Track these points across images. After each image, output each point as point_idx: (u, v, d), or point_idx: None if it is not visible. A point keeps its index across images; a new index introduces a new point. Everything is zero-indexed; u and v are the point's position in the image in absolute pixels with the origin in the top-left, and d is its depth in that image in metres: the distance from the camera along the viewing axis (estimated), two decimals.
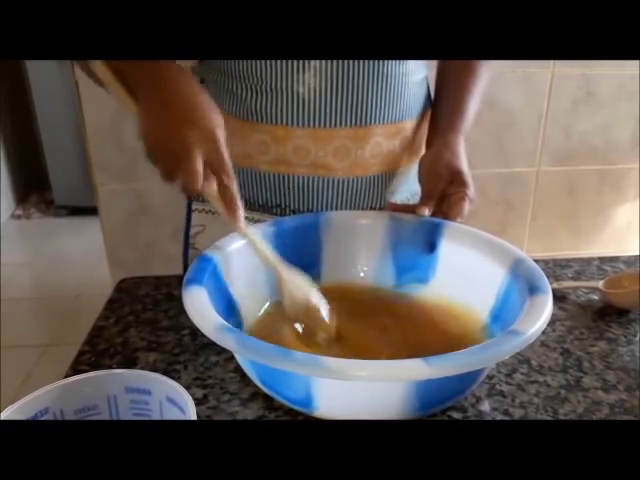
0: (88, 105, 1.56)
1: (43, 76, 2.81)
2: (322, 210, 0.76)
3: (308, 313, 0.61)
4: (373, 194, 0.78)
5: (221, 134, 0.58)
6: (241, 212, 0.60)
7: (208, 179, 0.57)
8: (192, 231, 0.83)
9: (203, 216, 0.81)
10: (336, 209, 0.77)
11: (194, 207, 0.82)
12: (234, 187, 0.59)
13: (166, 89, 0.59)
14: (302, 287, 0.61)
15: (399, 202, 0.80)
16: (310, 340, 0.59)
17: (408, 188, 0.82)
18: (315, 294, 0.62)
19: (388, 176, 0.79)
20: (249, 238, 0.61)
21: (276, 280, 0.61)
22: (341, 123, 0.73)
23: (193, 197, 0.59)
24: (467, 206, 0.68)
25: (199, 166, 0.56)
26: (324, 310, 0.61)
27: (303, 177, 0.75)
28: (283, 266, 0.61)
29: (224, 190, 0.59)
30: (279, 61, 0.71)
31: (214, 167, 0.58)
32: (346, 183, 0.76)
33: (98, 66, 0.59)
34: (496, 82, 1.69)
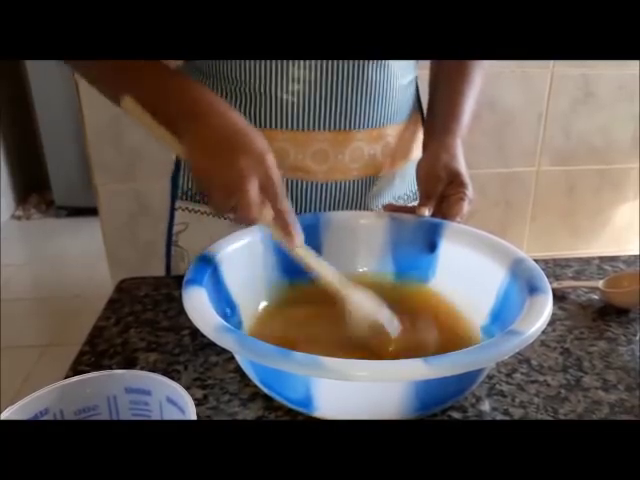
0: (88, 105, 1.57)
1: (43, 76, 2.81)
2: (302, 213, 0.76)
3: (374, 333, 0.58)
4: (354, 198, 0.78)
5: (271, 159, 0.57)
6: (299, 237, 0.58)
7: (263, 205, 0.56)
8: (175, 229, 0.83)
9: (186, 214, 0.81)
10: (317, 212, 0.77)
11: (177, 205, 0.82)
12: (288, 211, 0.58)
13: (209, 118, 0.58)
14: (371, 307, 0.59)
15: (381, 207, 0.80)
16: (311, 331, 0.59)
17: (391, 192, 0.82)
18: (385, 312, 0.59)
19: (369, 181, 0.79)
20: (308, 262, 0.59)
21: (340, 300, 0.59)
22: (320, 127, 0.73)
23: (247, 225, 0.58)
24: (466, 206, 0.68)
25: (254, 194, 0.54)
26: (392, 328, 0.58)
27: (283, 179, 0.75)
28: (350, 288, 0.59)
29: (279, 215, 0.57)
30: (260, 64, 0.70)
31: (267, 193, 0.56)
32: (326, 187, 0.76)
33: (130, 105, 0.57)
34: (496, 82, 1.69)
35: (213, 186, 0.56)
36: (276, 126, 0.73)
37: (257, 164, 0.55)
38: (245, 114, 0.73)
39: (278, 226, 0.58)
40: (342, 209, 0.78)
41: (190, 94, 0.60)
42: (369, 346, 0.57)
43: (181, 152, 0.58)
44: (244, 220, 0.56)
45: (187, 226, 0.82)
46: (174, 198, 0.82)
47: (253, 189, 0.54)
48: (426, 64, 0.83)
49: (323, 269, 0.59)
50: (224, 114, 0.59)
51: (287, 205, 0.58)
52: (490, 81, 1.66)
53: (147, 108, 0.57)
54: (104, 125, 1.58)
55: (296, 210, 0.77)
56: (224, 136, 0.57)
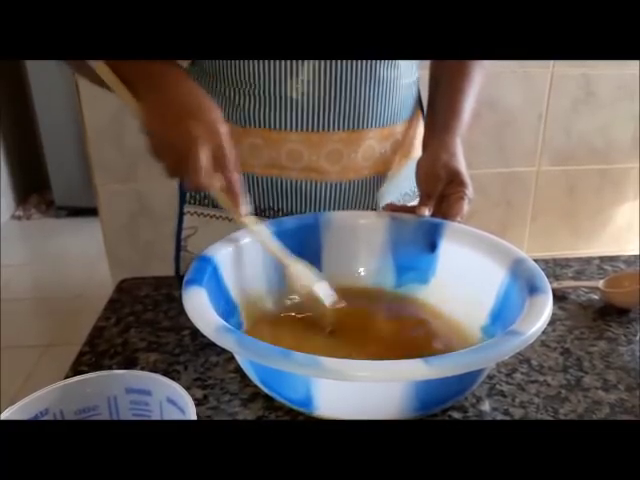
0: (88, 105, 1.56)
1: (43, 76, 2.81)
2: (314, 213, 0.76)
3: (313, 302, 0.62)
4: (365, 197, 0.79)
5: (224, 129, 0.58)
6: (246, 206, 0.61)
7: (213, 173, 0.58)
8: (184, 234, 0.83)
9: (195, 219, 0.81)
10: (328, 211, 0.77)
11: (186, 210, 0.82)
12: (237, 181, 0.60)
13: (167, 85, 0.60)
14: (308, 277, 0.62)
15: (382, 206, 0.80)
16: (311, 331, 0.60)
17: (398, 189, 0.83)
18: (322, 284, 0.63)
19: (379, 179, 0.79)
20: (253, 231, 0.62)
21: (284, 271, 0.63)
22: (334, 127, 0.73)
23: (196, 191, 0.60)
24: (466, 206, 0.68)
25: (204, 160, 0.56)
26: (330, 300, 0.62)
27: (296, 180, 0.75)
28: (289, 257, 0.62)
29: (228, 184, 0.59)
30: (271, 65, 0.71)
31: (219, 161, 0.58)
32: (339, 186, 0.77)
33: (98, 64, 0.59)
34: (496, 82, 1.69)
35: (164, 150, 0.58)
36: (290, 128, 0.73)
37: (210, 132, 0.57)
38: (258, 116, 0.74)
39: (227, 194, 0.60)
40: (354, 208, 0.78)
41: (155, 64, 0.61)
42: (307, 313, 0.62)
43: (139, 116, 0.59)
44: (193, 184, 0.57)
45: (196, 230, 0.82)
46: (182, 202, 0.82)
47: (203, 155, 0.56)
48: (426, 64, 0.83)
49: (267, 240, 0.63)
50: (182, 82, 0.61)
51: (237, 175, 0.60)
52: (490, 81, 1.66)
53: (115, 71, 0.59)
54: (104, 125, 1.57)
55: (309, 210, 0.77)
56: (179, 102, 0.59)
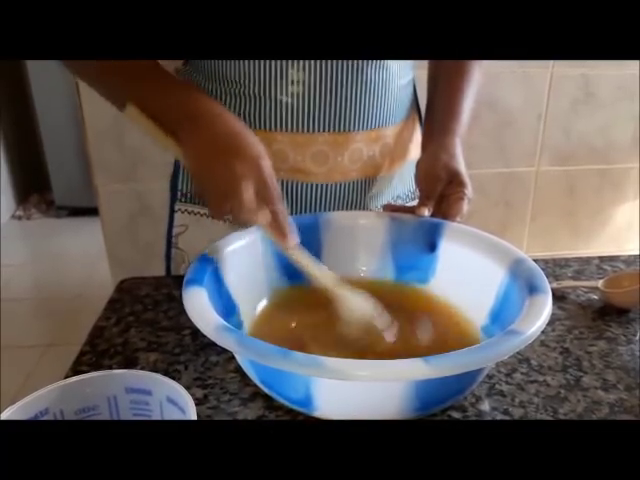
0: (89, 105, 1.56)
1: (43, 76, 2.81)
2: (302, 214, 0.76)
3: (367, 332, 0.59)
4: (353, 199, 0.79)
5: (266, 162, 0.58)
6: (293, 238, 0.59)
7: (258, 208, 0.57)
8: (175, 231, 0.83)
9: (185, 216, 0.81)
10: (328, 212, 0.77)
11: (177, 207, 0.82)
12: (283, 214, 0.59)
13: (206, 123, 0.59)
14: (362, 306, 0.60)
15: (380, 207, 0.80)
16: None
17: (389, 192, 0.83)
18: (376, 312, 0.59)
19: (368, 181, 0.79)
20: (302, 263, 0.60)
21: (334, 301, 0.60)
22: (319, 129, 0.73)
23: (243, 227, 0.60)
24: (466, 206, 0.68)
25: (248, 197, 0.56)
26: (389, 332, 0.59)
27: (282, 181, 0.75)
28: (342, 287, 0.60)
29: (274, 217, 0.58)
30: (260, 66, 0.71)
31: (262, 196, 0.57)
32: (325, 188, 0.76)
33: (133, 113, 0.59)
34: (496, 82, 1.69)
35: (209, 190, 0.58)
36: (275, 128, 0.73)
37: (251, 167, 0.57)
38: (244, 116, 0.74)
39: (273, 228, 0.59)
40: (341, 210, 0.78)
41: (189, 100, 0.61)
42: (362, 349, 0.57)
43: (181, 157, 0.60)
44: (238, 220, 0.58)
45: (187, 228, 0.82)
46: (173, 200, 0.82)
47: (247, 192, 0.56)
48: (424, 64, 0.83)
49: (317, 270, 0.61)
50: (221, 119, 0.60)
51: (282, 207, 0.59)
52: (490, 81, 1.66)
53: (147, 113, 0.59)
54: (104, 125, 1.58)
55: (296, 211, 0.77)
56: (220, 141, 0.58)
